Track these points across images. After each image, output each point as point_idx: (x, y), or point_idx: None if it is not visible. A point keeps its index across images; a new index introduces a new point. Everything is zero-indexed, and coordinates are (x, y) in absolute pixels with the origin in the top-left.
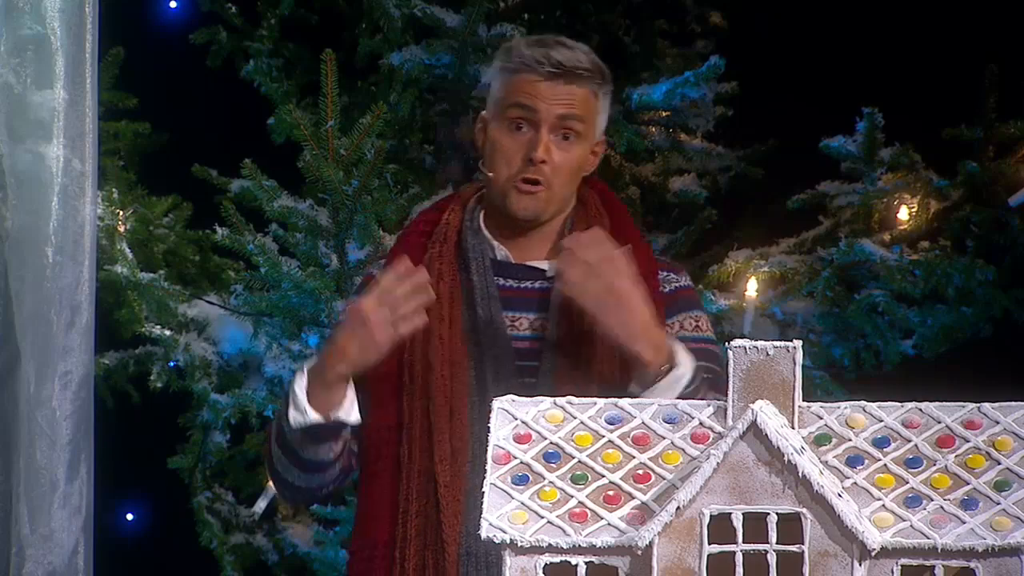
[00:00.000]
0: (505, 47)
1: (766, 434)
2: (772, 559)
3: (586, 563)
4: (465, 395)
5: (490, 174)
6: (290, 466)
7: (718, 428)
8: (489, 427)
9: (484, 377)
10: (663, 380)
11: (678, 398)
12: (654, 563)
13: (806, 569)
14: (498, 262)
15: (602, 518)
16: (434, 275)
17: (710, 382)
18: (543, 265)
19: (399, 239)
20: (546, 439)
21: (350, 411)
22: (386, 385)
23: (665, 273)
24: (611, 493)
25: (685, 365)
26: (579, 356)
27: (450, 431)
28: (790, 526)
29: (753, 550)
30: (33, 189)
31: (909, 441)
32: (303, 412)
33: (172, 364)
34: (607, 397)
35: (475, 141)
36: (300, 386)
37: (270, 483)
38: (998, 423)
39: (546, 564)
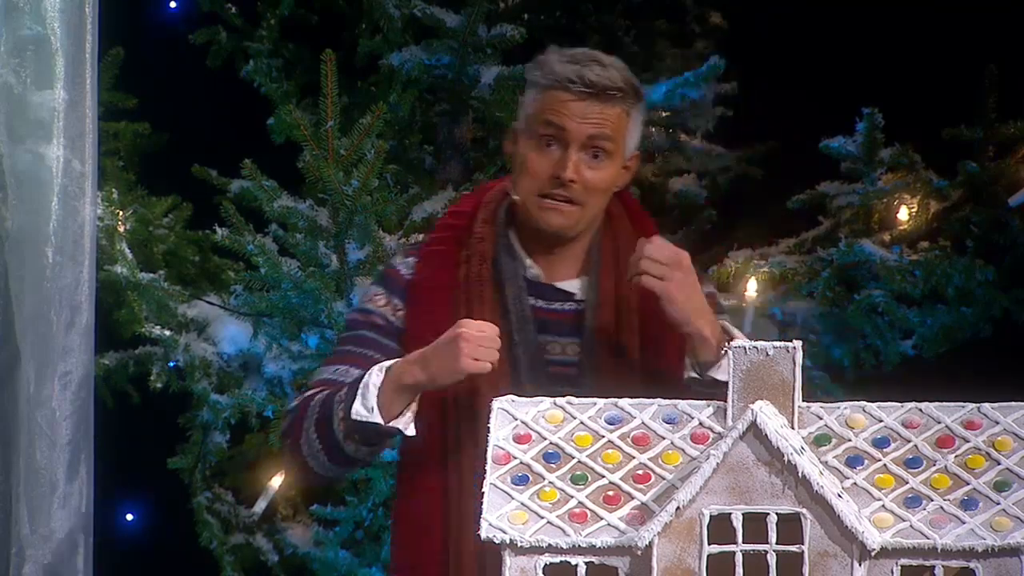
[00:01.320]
0: (539, 60)
1: (766, 434)
2: (772, 559)
3: (586, 563)
4: None
5: (516, 192)
6: (320, 452)
7: (718, 428)
8: None
9: None
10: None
11: None
12: (654, 563)
13: (806, 569)
14: (530, 281)
15: (602, 518)
16: (474, 298)
17: None
18: (573, 288)
19: (430, 240)
20: (546, 439)
21: (408, 424)
22: (432, 410)
23: None
24: (611, 493)
25: (741, 339)
26: (616, 382)
27: None
28: (790, 526)
29: (753, 550)
30: (33, 189)
31: (909, 441)
32: (370, 409)
33: (172, 364)
34: None
35: (505, 151)
36: (375, 383)
37: (270, 483)
38: (998, 423)
39: (546, 564)
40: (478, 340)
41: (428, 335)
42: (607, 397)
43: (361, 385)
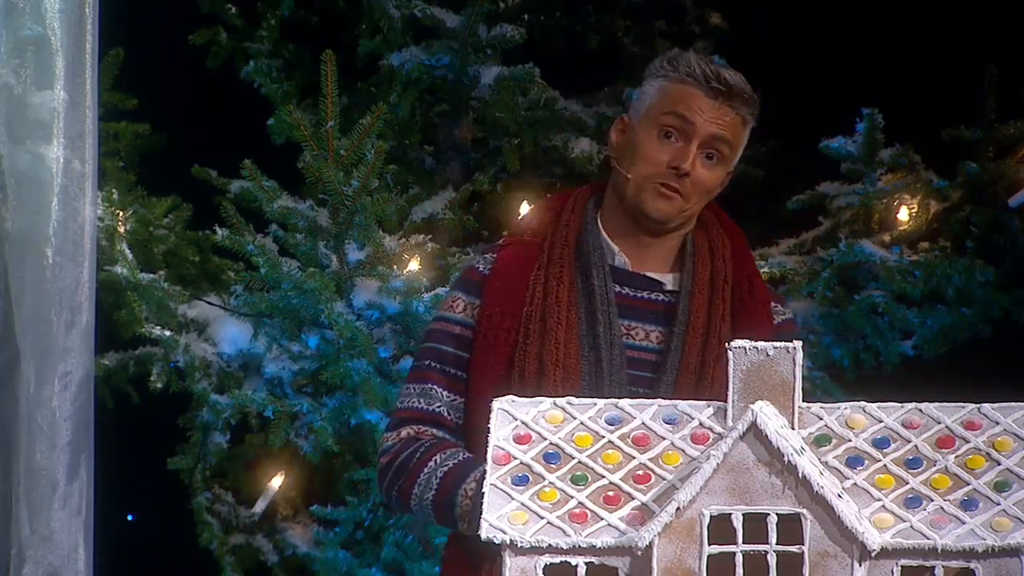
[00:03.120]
0: (671, 57)
1: (766, 435)
2: (772, 560)
3: (586, 563)
4: None
5: (628, 174)
6: (432, 518)
7: (718, 429)
8: None
9: (598, 383)
10: None
11: None
12: (654, 564)
13: (806, 569)
14: (616, 269)
15: (602, 519)
16: (553, 278)
17: None
18: (664, 278)
19: (511, 235)
20: (546, 440)
21: None
22: (494, 386)
23: (774, 304)
24: (611, 494)
25: None
26: (702, 374)
27: None
28: (790, 527)
29: (753, 551)
30: (33, 189)
31: (909, 442)
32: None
33: (172, 365)
34: None
35: (610, 140)
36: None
37: (270, 484)
38: (998, 424)
39: (546, 564)
40: None
41: (499, 319)
42: (689, 386)
43: (476, 511)
